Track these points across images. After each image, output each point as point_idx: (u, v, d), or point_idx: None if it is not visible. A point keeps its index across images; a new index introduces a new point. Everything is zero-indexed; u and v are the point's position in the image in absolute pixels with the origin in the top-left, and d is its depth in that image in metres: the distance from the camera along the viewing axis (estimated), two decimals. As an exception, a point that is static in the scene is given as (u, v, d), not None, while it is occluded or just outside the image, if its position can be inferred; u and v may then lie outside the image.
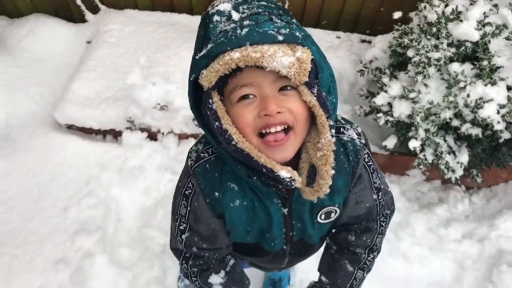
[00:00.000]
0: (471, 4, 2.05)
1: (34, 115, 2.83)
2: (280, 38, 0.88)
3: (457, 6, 2.03)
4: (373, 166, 1.20)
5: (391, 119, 2.20)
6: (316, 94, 0.95)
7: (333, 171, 1.00)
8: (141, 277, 2.28)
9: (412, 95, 2.10)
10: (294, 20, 0.97)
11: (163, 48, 2.87)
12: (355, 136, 1.14)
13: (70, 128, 2.76)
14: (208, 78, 0.91)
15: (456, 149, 2.17)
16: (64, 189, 2.54)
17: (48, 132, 2.73)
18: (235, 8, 0.93)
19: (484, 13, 2.03)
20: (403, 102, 2.16)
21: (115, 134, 2.76)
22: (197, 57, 0.93)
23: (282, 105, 0.94)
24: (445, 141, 2.17)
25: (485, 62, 1.95)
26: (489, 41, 1.99)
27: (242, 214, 1.15)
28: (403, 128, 2.26)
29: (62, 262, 2.31)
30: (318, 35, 3.03)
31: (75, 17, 3.20)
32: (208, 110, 0.95)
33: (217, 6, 0.95)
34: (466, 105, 1.97)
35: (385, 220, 1.31)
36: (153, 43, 2.91)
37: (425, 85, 2.10)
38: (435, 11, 2.07)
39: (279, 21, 0.92)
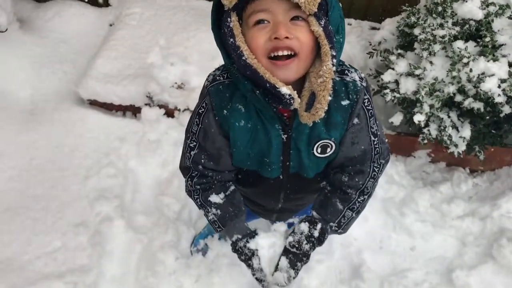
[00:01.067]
0: (476, -15, 2.16)
1: (58, 91, 2.98)
2: None
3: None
4: (371, 111, 1.31)
5: (397, 95, 2.30)
6: (323, 26, 1.07)
7: (330, 98, 1.12)
8: (156, 241, 2.39)
9: (418, 71, 2.21)
10: None
11: (182, 31, 3.02)
12: (357, 78, 1.26)
13: (92, 103, 2.91)
14: None
15: (459, 125, 2.27)
16: (85, 159, 2.68)
17: (71, 107, 2.88)
18: None
19: (488, -6, 2.14)
20: (409, 79, 2.27)
21: (134, 111, 2.90)
22: None
23: (291, 32, 1.07)
24: (449, 117, 2.27)
25: (487, 39, 2.05)
26: (493, 20, 2.10)
27: (245, 135, 1.27)
28: (409, 105, 2.37)
29: (81, 225, 2.43)
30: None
31: (100, 1, 3.36)
32: (225, 28, 1.08)
33: None
34: (469, 80, 2.08)
35: (378, 166, 1.41)
36: (172, 26, 3.06)
37: (431, 62, 2.21)
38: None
39: None
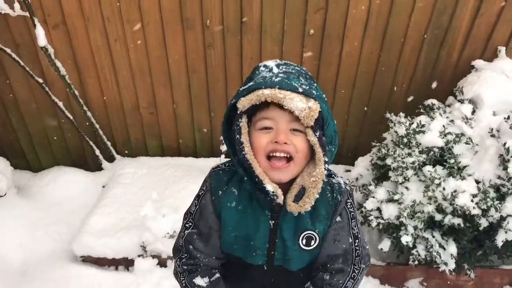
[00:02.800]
0: (431, 120, 2.52)
1: (52, 251, 3.01)
2: (300, 90, 1.26)
3: (420, 121, 2.49)
4: (353, 214, 1.46)
5: (382, 221, 2.46)
6: (318, 137, 1.28)
7: (317, 196, 1.28)
8: None
9: (396, 197, 2.41)
10: (315, 84, 1.36)
11: (172, 184, 3.22)
12: (342, 182, 1.45)
13: (86, 260, 2.92)
14: (243, 103, 1.27)
15: (444, 243, 2.40)
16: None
17: (64, 265, 2.89)
18: (277, 66, 1.34)
19: (444, 126, 2.48)
20: (390, 205, 2.46)
21: (127, 264, 2.92)
22: (240, 89, 1.31)
23: (290, 139, 1.28)
24: (433, 236, 2.41)
25: (452, 160, 2.32)
26: (452, 147, 2.40)
27: (234, 216, 1.39)
28: (394, 230, 2.51)
29: None
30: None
31: (93, 167, 3.61)
32: (235, 126, 1.29)
33: (265, 62, 1.37)
34: (444, 198, 2.28)
35: (358, 269, 1.49)
36: (163, 181, 3.27)
37: (406, 188, 2.43)
38: (404, 125, 2.52)
39: (304, 80, 1.31)
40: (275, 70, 1.34)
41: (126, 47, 2.98)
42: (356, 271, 1.48)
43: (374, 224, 2.48)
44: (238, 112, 1.31)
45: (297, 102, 1.24)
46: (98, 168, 3.59)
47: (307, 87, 1.30)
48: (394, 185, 2.53)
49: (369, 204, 2.53)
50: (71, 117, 3.22)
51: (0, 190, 2.91)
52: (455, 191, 2.26)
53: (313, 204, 1.29)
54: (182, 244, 1.49)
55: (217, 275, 1.52)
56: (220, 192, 1.41)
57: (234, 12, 2.80)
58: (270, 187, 1.27)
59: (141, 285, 2.78)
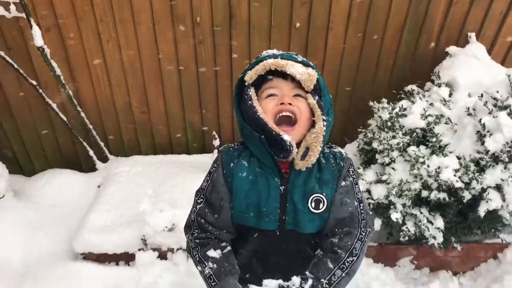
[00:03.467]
0: (412, 103, 2.68)
1: (51, 251, 3.06)
2: (300, 59, 1.45)
3: (402, 105, 2.65)
4: (356, 180, 1.59)
5: (371, 201, 2.60)
6: (316, 100, 1.45)
7: (320, 148, 1.42)
8: None
9: (384, 177, 2.56)
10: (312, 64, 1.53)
11: (168, 180, 3.31)
12: (343, 151, 1.61)
13: (86, 257, 2.98)
14: (250, 75, 1.44)
15: (431, 218, 2.55)
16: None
17: (65, 263, 2.93)
18: (278, 51, 1.53)
19: (424, 108, 2.64)
20: (379, 185, 2.60)
21: (128, 259, 2.99)
22: (247, 66, 1.47)
23: (293, 102, 1.44)
24: (421, 213, 2.56)
25: (433, 139, 2.48)
26: (433, 127, 2.56)
27: (245, 185, 1.50)
28: (384, 210, 2.65)
29: None
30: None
31: (86, 168, 3.67)
32: (246, 95, 1.45)
33: (267, 50, 1.55)
34: (429, 175, 2.44)
35: (365, 231, 1.58)
36: (158, 177, 3.36)
37: (393, 168, 2.58)
38: (387, 110, 2.68)
39: (302, 57, 1.49)
40: (276, 52, 1.53)
41: (118, 47, 3.07)
42: (363, 234, 1.57)
43: (365, 204, 2.62)
44: (246, 85, 1.46)
45: (298, 67, 1.41)
46: (92, 168, 3.65)
47: (306, 60, 1.49)
48: (382, 167, 2.67)
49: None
50: (64, 119, 3.28)
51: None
52: (438, 167, 2.42)
53: (317, 157, 1.42)
54: (194, 219, 1.58)
55: (229, 247, 1.58)
56: (232, 164, 1.52)
57: (223, 9, 2.92)
58: (286, 136, 1.40)
59: (143, 278, 2.85)
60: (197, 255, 1.57)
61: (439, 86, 2.79)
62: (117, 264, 3.02)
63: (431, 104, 2.70)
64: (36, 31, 2.50)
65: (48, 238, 3.14)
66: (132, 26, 2.99)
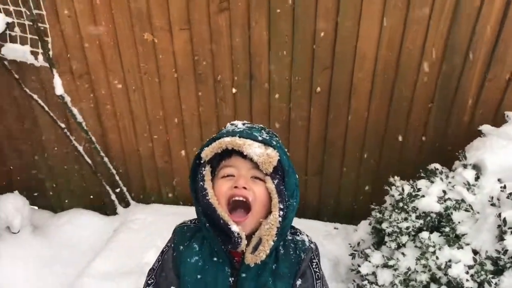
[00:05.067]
0: (431, 183, 2.44)
1: (54, 291, 3.09)
2: (260, 138, 1.36)
3: (416, 184, 2.43)
4: (318, 274, 1.42)
5: (376, 287, 2.35)
6: (275, 184, 1.33)
7: (272, 243, 1.29)
8: None
9: (391, 262, 2.31)
10: (277, 139, 1.45)
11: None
12: (306, 239, 1.45)
13: (84, 304, 2.97)
14: (206, 152, 1.36)
15: (440, 317, 2.25)
16: None
17: (64, 307, 2.95)
18: (243, 124, 1.46)
19: (444, 191, 2.40)
20: (386, 270, 2.36)
21: (124, 311, 2.93)
22: (204, 143, 1.41)
23: (249, 185, 1.33)
24: (429, 308, 2.27)
25: (447, 228, 2.22)
26: (452, 213, 2.30)
27: (194, 272, 1.36)
28: (390, 298, 2.39)
29: None
30: (317, 226, 3.40)
31: (108, 211, 3.73)
32: (199, 174, 1.36)
33: (234, 121, 1.50)
34: (439, 268, 2.17)
35: None
36: (171, 229, 3.31)
37: (403, 253, 2.33)
38: (398, 189, 2.46)
39: (265, 133, 1.41)
40: (240, 126, 1.45)
41: (143, 97, 3.15)
42: None
43: (367, 289, 2.38)
44: (201, 162, 1.38)
45: (255, 148, 1.32)
46: (114, 212, 3.70)
47: (268, 137, 1.38)
48: (391, 251, 2.43)
49: (364, 269, 2.44)
50: (89, 162, 3.38)
51: (13, 227, 3.05)
52: (449, 260, 2.15)
53: (268, 252, 1.29)
54: None
55: None
56: (181, 247, 1.42)
57: (244, 69, 2.91)
58: (235, 227, 1.29)
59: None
60: None
61: (464, 167, 2.53)
62: (113, 315, 2.98)
63: (453, 187, 2.44)
64: (57, 81, 2.63)
65: (56, 278, 3.18)
66: (158, 80, 3.07)
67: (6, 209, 3.07)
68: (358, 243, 2.79)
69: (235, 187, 1.33)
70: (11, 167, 3.66)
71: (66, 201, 3.80)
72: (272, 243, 1.30)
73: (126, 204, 3.70)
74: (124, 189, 3.61)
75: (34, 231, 3.38)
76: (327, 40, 2.72)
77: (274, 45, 2.80)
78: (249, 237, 1.35)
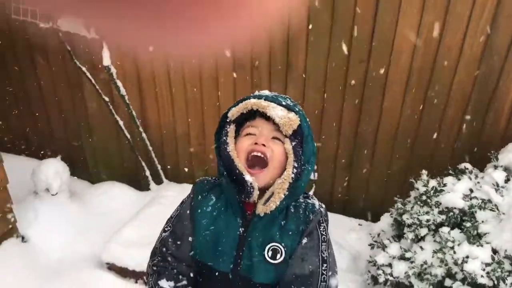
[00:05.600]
0: (458, 181, 2.42)
1: (85, 256, 3.25)
2: (284, 103, 1.42)
3: (443, 179, 2.41)
4: (325, 237, 1.45)
5: (391, 278, 2.35)
6: (293, 146, 1.40)
7: (283, 196, 1.36)
8: None
9: (408, 254, 2.31)
10: (301, 108, 1.50)
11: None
12: (316, 203, 1.50)
13: (110, 268, 3.12)
14: (232, 112, 1.43)
15: (454, 314, 2.22)
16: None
17: (92, 270, 3.11)
18: (270, 91, 1.53)
19: (471, 189, 2.37)
20: (402, 262, 2.35)
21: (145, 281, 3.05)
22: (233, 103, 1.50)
23: (268, 143, 1.40)
24: (443, 304, 2.24)
25: (468, 224, 2.19)
26: (476, 211, 2.27)
27: (207, 219, 1.44)
28: (404, 291, 2.38)
29: None
30: (342, 220, 3.42)
31: (142, 186, 3.89)
32: (224, 130, 1.45)
33: (262, 90, 1.57)
34: (455, 263, 2.14)
35: None
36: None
37: (421, 247, 2.32)
38: (423, 183, 2.45)
39: (290, 101, 1.47)
40: (268, 92, 1.52)
41: (183, 79, 3.28)
42: None
43: (381, 279, 2.38)
44: (228, 121, 1.47)
45: (278, 111, 1.38)
46: (147, 187, 3.85)
47: (291, 103, 1.45)
48: (409, 243, 2.42)
49: (380, 259, 2.44)
50: (128, 136, 3.55)
51: (52, 188, 3.24)
52: (467, 256, 2.12)
53: (277, 204, 1.36)
54: (157, 246, 1.57)
55: (184, 282, 1.53)
56: (200, 197, 1.50)
57: (281, 57, 2.98)
58: (248, 177, 1.35)
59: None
60: (150, 282, 1.54)
61: (495, 168, 2.49)
62: (136, 282, 3.10)
63: (481, 187, 2.40)
64: (105, 53, 2.80)
65: (86, 242, 3.35)
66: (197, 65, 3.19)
67: (47, 172, 3.26)
68: (378, 234, 2.79)
69: (255, 143, 1.40)
70: (57, 138, 3.89)
71: (104, 175, 3.99)
72: (283, 196, 1.36)
73: (159, 181, 3.84)
74: (159, 166, 3.75)
75: (71, 196, 3.58)
76: (364, 34, 2.76)
77: (313, 35, 2.85)
78: (262, 192, 1.42)
